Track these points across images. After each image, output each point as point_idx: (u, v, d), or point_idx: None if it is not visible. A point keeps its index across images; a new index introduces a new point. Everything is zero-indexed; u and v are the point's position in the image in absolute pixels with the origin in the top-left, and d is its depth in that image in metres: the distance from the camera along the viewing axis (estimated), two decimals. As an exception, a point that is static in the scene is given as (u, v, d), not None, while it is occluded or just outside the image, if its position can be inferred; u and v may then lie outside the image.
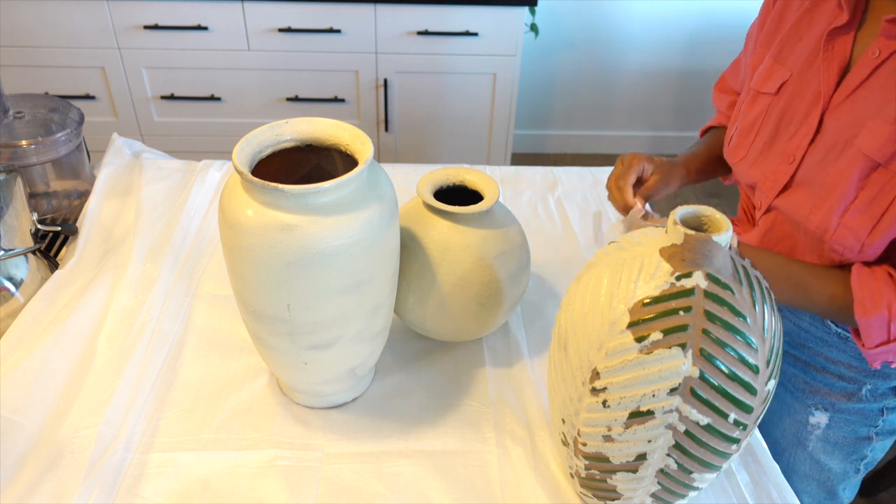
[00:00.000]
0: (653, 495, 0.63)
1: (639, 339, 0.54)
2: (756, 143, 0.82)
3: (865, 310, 0.71)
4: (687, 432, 0.56)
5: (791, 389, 0.90)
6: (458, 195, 0.82)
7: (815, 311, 0.78)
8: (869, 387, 0.84)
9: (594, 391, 0.57)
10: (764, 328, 0.55)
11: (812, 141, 0.75)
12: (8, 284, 0.87)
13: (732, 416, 0.55)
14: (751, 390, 0.54)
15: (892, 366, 0.77)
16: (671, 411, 0.55)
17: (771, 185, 0.80)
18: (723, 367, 0.53)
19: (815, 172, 0.74)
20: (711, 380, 0.54)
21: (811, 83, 0.76)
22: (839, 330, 0.83)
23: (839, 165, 0.71)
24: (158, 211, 1.04)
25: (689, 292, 0.54)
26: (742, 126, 0.85)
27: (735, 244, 0.71)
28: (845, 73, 0.73)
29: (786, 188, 0.78)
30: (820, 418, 0.88)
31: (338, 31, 1.87)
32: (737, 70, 0.97)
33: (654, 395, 0.55)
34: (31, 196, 1.02)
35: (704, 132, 1.03)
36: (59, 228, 0.97)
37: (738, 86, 0.97)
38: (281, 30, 1.86)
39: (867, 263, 0.73)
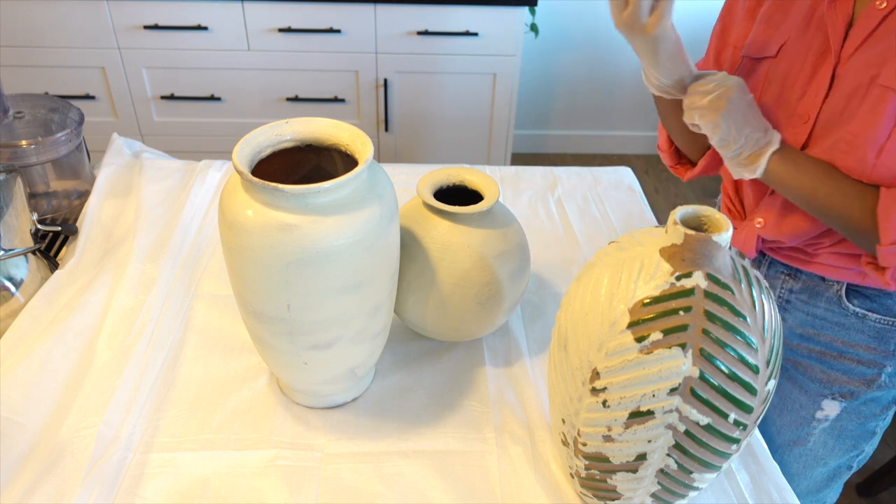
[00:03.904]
0: (653, 495, 0.63)
1: (639, 339, 0.54)
2: (761, 105, 0.80)
3: (886, 206, 0.69)
4: (687, 432, 0.56)
5: (803, 382, 0.89)
6: (458, 195, 0.82)
7: (839, 214, 0.73)
8: (889, 370, 0.83)
9: (594, 391, 0.57)
10: (764, 328, 0.55)
11: (826, 97, 0.74)
12: (8, 284, 0.87)
13: (732, 416, 0.55)
14: (751, 390, 0.54)
15: None
16: (671, 411, 0.55)
17: None
18: (723, 367, 0.53)
19: (837, 123, 0.73)
20: (711, 380, 0.54)
21: (812, 43, 0.75)
22: (857, 309, 0.82)
23: (865, 108, 0.70)
24: (158, 211, 1.04)
25: (689, 292, 0.54)
26: None
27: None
28: (849, 29, 0.73)
29: (803, 148, 0.76)
30: (829, 410, 0.87)
31: (338, 31, 1.87)
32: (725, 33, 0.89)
33: (654, 395, 0.55)
34: (31, 196, 1.02)
35: None
36: (59, 228, 0.97)
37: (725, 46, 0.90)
38: (281, 30, 1.86)
39: None
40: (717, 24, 0.89)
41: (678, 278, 0.54)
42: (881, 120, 0.69)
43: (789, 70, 0.78)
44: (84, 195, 1.06)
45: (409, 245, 0.78)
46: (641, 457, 0.58)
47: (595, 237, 1.08)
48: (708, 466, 0.59)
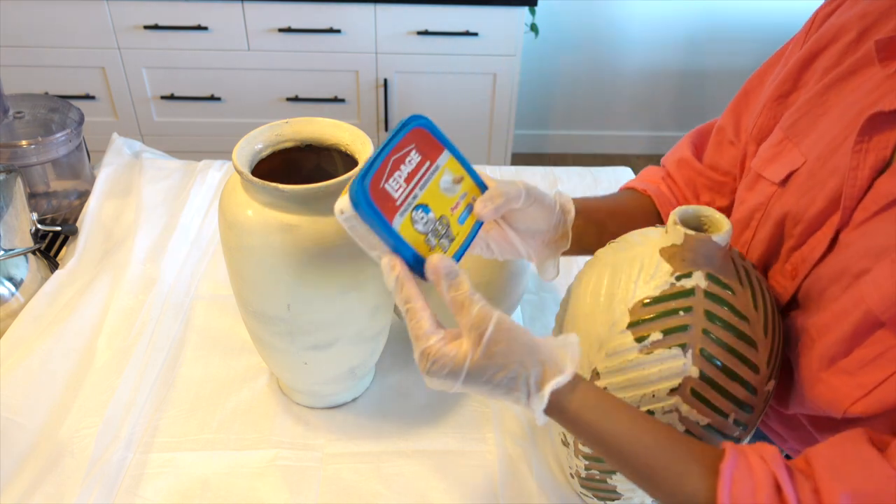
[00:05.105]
0: (653, 495, 0.63)
1: (639, 340, 0.54)
2: (755, 241, 0.62)
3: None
4: (687, 432, 0.56)
5: None
6: (458, 195, 0.82)
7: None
8: None
9: (594, 391, 0.57)
10: (764, 328, 0.55)
11: (822, 257, 0.55)
12: (8, 284, 0.87)
13: (732, 417, 0.55)
14: (751, 390, 0.54)
15: None
16: (671, 411, 0.55)
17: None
18: (723, 368, 0.53)
19: (815, 301, 0.56)
20: (711, 380, 0.54)
21: (830, 180, 0.54)
22: None
23: (837, 306, 0.52)
24: (158, 211, 1.04)
25: (689, 292, 0.54)
26: (738, 216, 0.64)
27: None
28: (879, 176, 0.51)
29: (787, 307, 0.60)
30: None
31: (338, 31, 1.87)
32: (737, 120, 0.70)
33: (654, 396, 0.55)
34: (31, 196, 1.02)
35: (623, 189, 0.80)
36: (59, 228, 0.97)
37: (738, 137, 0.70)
38: (281, 30, 1.86)
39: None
40: (746, 86, 0.70)
41: (678, 278, 0.54)
42: (844, 332, 0.50)
43: (794, 207, 0.57)
44: (84, 195, 1.06)
45: (409, 245, 0.77)
46: (641, 457, 0.58)
47: (595, 237, 1.08)
48: (708, 466, 0.59)
